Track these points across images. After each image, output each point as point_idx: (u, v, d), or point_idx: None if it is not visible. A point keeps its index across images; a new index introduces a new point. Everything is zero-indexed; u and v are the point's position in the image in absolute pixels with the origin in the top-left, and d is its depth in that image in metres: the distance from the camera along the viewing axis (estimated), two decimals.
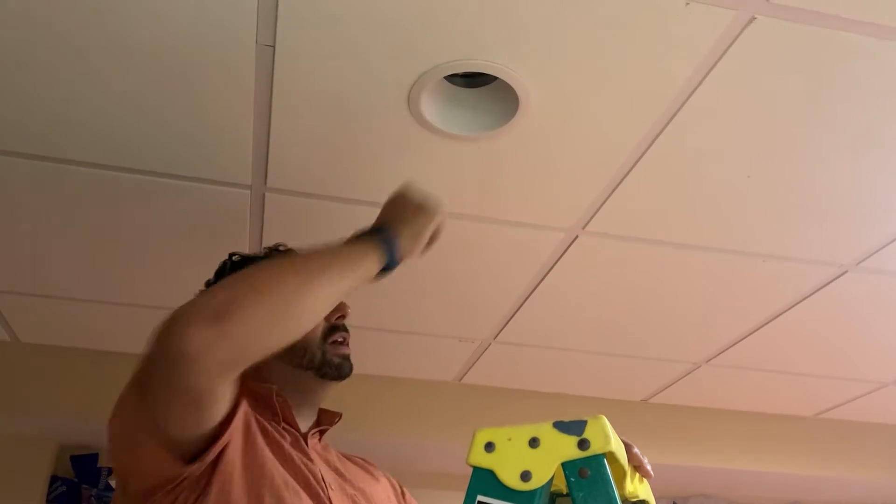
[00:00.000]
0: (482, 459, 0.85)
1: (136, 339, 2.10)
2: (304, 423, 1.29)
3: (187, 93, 1.30)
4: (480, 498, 0.83)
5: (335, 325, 1.31)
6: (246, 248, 1.77)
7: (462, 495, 0.85)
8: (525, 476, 0.82)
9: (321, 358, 1.27)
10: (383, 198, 1.57)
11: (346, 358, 1.31)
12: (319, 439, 1.32)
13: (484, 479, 0.84)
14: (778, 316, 2.08)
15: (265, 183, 1.55)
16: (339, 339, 1.31)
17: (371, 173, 1.51)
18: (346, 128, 1.39)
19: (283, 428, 1.23)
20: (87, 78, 1.27)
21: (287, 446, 1.19)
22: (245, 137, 1.41)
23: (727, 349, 2.30)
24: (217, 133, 1.40)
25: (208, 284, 1.33)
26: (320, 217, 1.66)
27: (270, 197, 1.60)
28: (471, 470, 0.86)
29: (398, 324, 2.17)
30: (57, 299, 2.03)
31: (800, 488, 3.06)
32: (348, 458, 1.38)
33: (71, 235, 1.72)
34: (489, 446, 0.85)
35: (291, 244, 1.74)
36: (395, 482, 1.43)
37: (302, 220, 1.67)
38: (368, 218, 1.66)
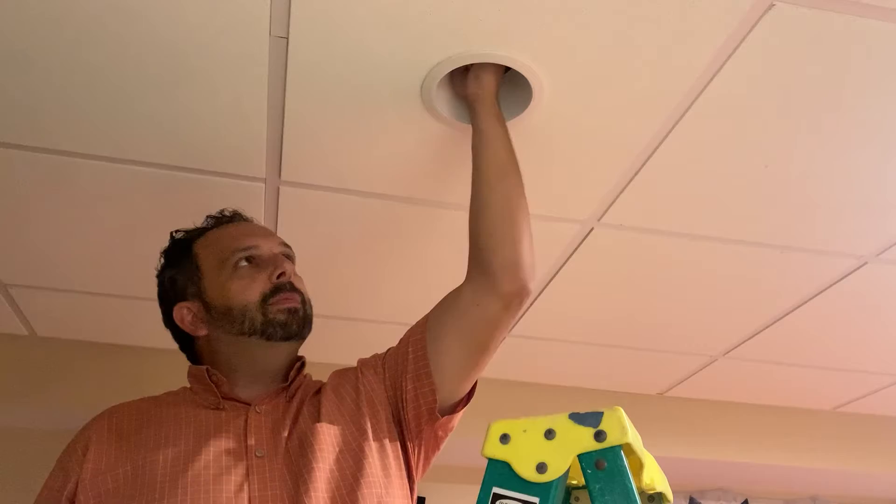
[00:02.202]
0: (497, 451, 0.84)
1: (152, 333, 2.12)
2: (260, 390, 1.24)
3: (201, 86, 1.30)
4: (496, 490, 0.83)
5: (277, 286, 1.23)
6: None
7: (477, 488, 0.85)
8: (541, 468, 0.81)
9: (262, 319, 1.21)
10: (397, 190, 1.58)
11: (293, 312, 1.23)
12: (286, 397, 1.25)
13: (499, 471, 0.83)
14: (796, 308, 2.06)
15: (279, 176, 1.55)
16: (279, 301, 1.23)
17: (385, 165, 1.51)
18: (359, 120, 1.38)
19: (228, 404, 1.22)
20: (101, 72, 1.27)
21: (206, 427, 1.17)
22: (259, 130, 1.41)
23: (745, 342, 2.28)
24: (231, 126, 1.40)
25: (160, 268, 1.33)
26: (335, 210, 1.66)
27: (285, 190, 1.60)
28: (485, 463, 0.85)
29: (414, 317, 2.16)
30: (73, 293, 2.04)
31: (818, 482, 3.04)
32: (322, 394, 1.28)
33: (86, 230, 1.73)
34: (504, 438, 0.84)
35: (306, 237, 1.75)
36: (358, 369, 1.33)
37: (316, 212, 1.67)
38: (383, 210, 1.66)
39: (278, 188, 1.59)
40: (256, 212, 1.66)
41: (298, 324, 1.24)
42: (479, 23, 1.16)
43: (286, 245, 1.33)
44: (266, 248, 1.28)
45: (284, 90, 1.31)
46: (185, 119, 1.38)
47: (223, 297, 1.23)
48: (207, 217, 1.37)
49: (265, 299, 1.22)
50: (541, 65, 1.25)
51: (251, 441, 1.15)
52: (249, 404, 1.22)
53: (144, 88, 1.31)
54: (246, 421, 1.19)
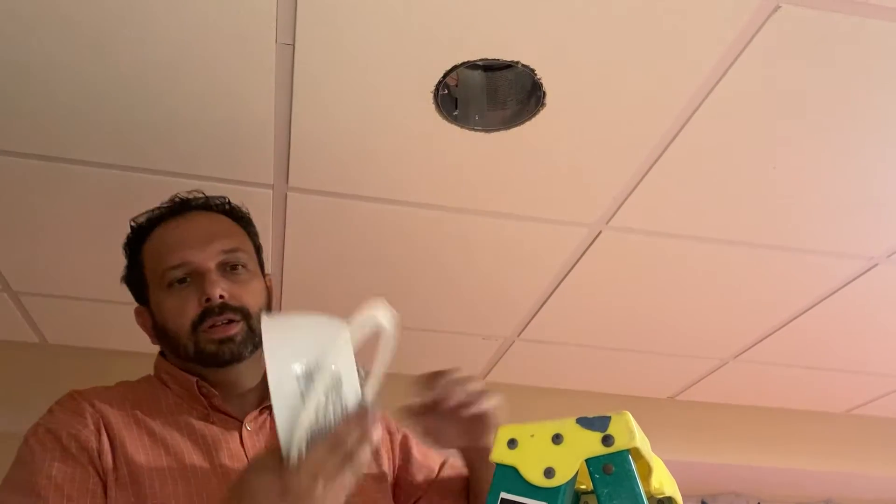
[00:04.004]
0: (505, 456, 0.84)
1: None
2: (240, 406, 1.16)
3: (208, 93, 1.31)
4: (504, 495, 0.82)
5: (206, 310, 1.12)
6: (269, 249, 1.78)
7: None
8: (548, 473, 0.81)
9: (194, 349, 1.12)
10: (407, 195, 1.58)
11: (225, 341, 1.11)
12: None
13: (507, 476, 0.83)
14: (807, 310, 2.05)
15: (287, 182, 1.55)
16: (213, 325, 1.12)
17: (394, 170, 1.51)
18: (368, 124, 1.39)
19: (218, 417, 1.13)
20: (107, 80, 1.28)
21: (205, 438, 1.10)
22: (266, 136, 1.42)
23: (755, 345, 2.27)
24: (238, 132, 1.40)
25: (124, 248, 1.24)
26: (343, 216, 1.66)
27: (293, 196, 1.60)
28: (493, 468, 0.85)
29: (421, 322, 2.17)
30: (84, 301, 2.05)
31: (832, 486, 3.02)
32: None
33: (97, 237, 1.74)
34: (512, 443, 0.84)
35: (314, 243, 1.76)
36: (392, 429, 1.28)
37: (325, 219, 1.67)
38: (391, 216, 1.66)
39: (286, 194, 1.60)
40: (264, 218, 1.67)
41: (232, 352, 1.12)
42: (486, 28, 1.16)
43: (231, 249, 1.16)
44: (199, 260, 1.14)
45: (291, 97, 1.32)
46: (192, 126, 1.39)
47: (161, 316, 1.15)
48: (163, 204, 1.24)
49: (195, 327, 1.12)
50: (548, 68, 1.25)
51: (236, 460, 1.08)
52: (240, 420, 1.14)
53: (151, 96, 1.31)
54: (242, 441, 1.12)
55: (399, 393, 2.70)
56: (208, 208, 1.23)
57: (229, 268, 1.16)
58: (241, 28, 1.18)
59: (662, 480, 0.91)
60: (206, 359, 1.13)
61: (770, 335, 2.21)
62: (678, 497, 0.97)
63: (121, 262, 1.88)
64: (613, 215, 1.65)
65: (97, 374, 2.32)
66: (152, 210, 1.23)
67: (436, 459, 1.29)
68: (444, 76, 1.26)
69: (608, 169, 1.50)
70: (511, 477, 0.83)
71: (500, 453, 0.85)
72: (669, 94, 1.30)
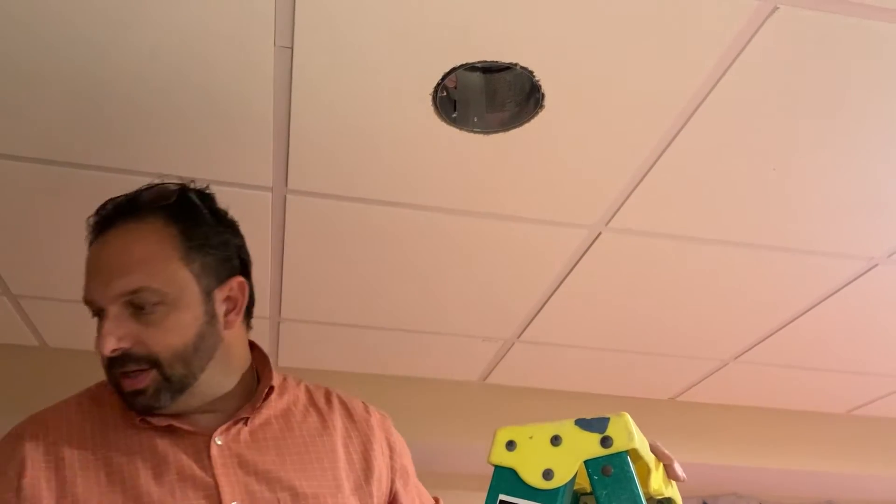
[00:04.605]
0: (504, 458, 0.84)
1: None
2: (211, 419, 1.08)
3: (205, 95, 1.31)
4: (503, 497, 0.82)
5: (110, 359, 1.03)
6: (268, 251, 1.78)
7: (484, 495, 0.84)
8: (547, 474, 0.81)
9: (115, 389, 1.05)
10: (406, 197, 1.58)
11: (134, 394, 1.02)
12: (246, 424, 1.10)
13: (506, 478, 0.83)
14: (807, 311, 2.05)
15: (286, 184, 1.55)
16: (122, 373, 1.03)
17: (393, 172, 1.51)
18: (367, 127, 1.39)
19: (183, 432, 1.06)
20: (106, 83, 1.28)
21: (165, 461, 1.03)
22: (265, 139, 1.42)
23: (755, 346, 2.27)
24: (236, 135, 1.40)
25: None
26: (343, 218, 1.66)
27: (292, 199, 1.60)
28: (492, 470, 0.85)
29: (421, 324, 2.16)
30: (83, 304, 2.05)
31: (833, 487, 3.01)
32: (308, 416, 1.16)
33: None
34: (510, 445, 0.84)
35: (313, 245, 1.75)
36: (395, 447, 1.21)
37: (324, 221, 1.67)
38: (391, 218, 1.66)
39: (285, 197, 1.60)
40: (263, 221, 1.67)
41: (144, 405, 1.03)
42: (485, 30, 1.16)
43: (134, 290, 1.02)
44: (101, 301, 1.04)
45: (290, 99, 1.32)
46: (192, 129, 1.39)
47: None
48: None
49: (108, 370, 1.05)
50: (546, 69, 1.25)
51: (223, 488, 1.02)
52: (207, 434, 1.06)
53: (150, 100, 1.32)
54: (210, 458, 1.04)
55: (400, 393, 2.71)
56: (137, 214, 1.08)
57: (136, 308, 1.03)
58: (240, 32, 1.18)
59: (662, 481, 0.91)
60: (126, 402, 1.05)
61: (770, 336, 2.21)
62: (678, 498, 0.97)
63: None
64: (613, 216, 1.65)
65: (97, 378, 2.32)
66: (94, 213, 1.12)
67: (429, 499, 1.27)
68: (443, 78, 1.26)
69: (608, 170, 1.50)
70: (510, 479, 0.83)
71: (498, 455, 0.85)
72: (669, 94, 1.30)
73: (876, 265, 1.82)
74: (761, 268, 1.84)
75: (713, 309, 2.05)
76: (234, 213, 1.66)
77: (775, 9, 1.12)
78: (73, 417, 1.09)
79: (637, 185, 1.54)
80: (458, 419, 2.53)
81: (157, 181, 1.13)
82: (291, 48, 1.21)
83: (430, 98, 1.30)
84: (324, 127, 1.38)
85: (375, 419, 1.24)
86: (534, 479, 0.81)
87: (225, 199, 1.58)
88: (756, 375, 2.50)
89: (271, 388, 1.13)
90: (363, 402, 1.26)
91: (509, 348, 2.32)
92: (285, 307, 2.07)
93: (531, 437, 0.84)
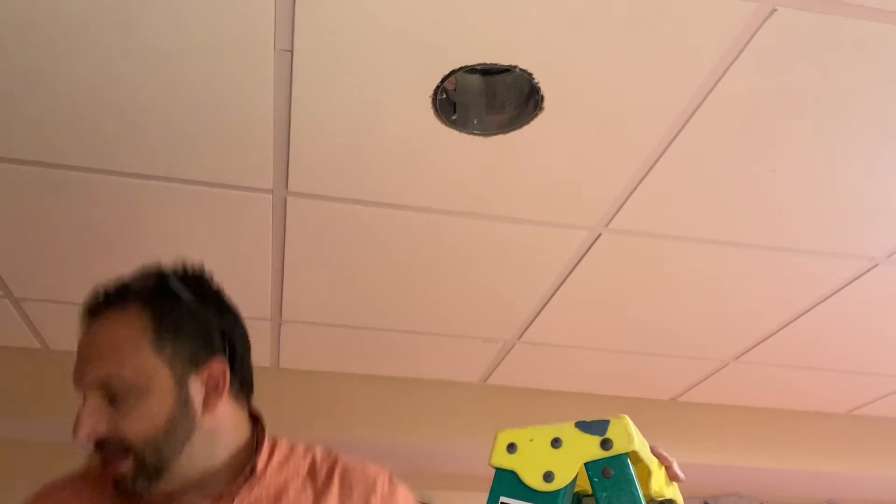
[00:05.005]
0: (504, 460, 0.84)
1: None
2: (197, 498, 1.07)
3: (206, 98, 1.31)
4: (503, 499, 0.82)
5: (94, 445, 1.04)
6: (268, 254, 1.79)
7: (486, 495, 0.85)
8: (548, 476, 0.81)
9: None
10: (406, 199, 1.58)
11: (120, 480, 1.03)
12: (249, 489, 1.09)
13: (506, 481, 0.83)
14: (807, 311, 2.05)
15: (286, 187, 1.55)
16: (104, 459, 1.04)
17: (393, 175, 1.51)
18: (367, 129, 1.39)
19: None
20: (107, 85, 1.28)
21: None
22: (265, 142, 1.42)
23: (756, 346, 2.27)
24: (237, 138, 1.41)
25: None
26: (343, 220, 1.66)
27: (292, 201, 1.60)
28: (493, 471, 0.85)
29: (422, 325, 2.17)
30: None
31: (834, 487, 3.01)
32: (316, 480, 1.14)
33: (97, 242, 1.75)
34: (511, 447, 0.84)
35: (314, 248, 1.76)
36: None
37: (324, 223, 1.68)
38: (391, 220, 1.66)
39: (286, 199, 1.60)
40: (264, 223, 1.67)
41: (126, 490, 1.03)
42: (484, 32, 1.17)
43: (103, 382, 1.04)
44: (79, 385, 1.06)
45: (290, 102, 1.32)
46: (192, 132, 1.39)
47: None
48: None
49: (94, 452, 1.05)
50: (546, 72, 1.25)
51: None
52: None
53: (151, 103, 1.32)
54: None
55: (401, 395, 2.72)
56: (119, 302, 1.10)
57: (111, 395, 1.04)
58: (240, 35, 1.18)
59: (663, 483, 0.91)
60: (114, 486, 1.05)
61: (771, 336, 2.21)
62: (679, 498, 0.97)
63: (122, 267, 1.88)
64: (613, 218, 1.65)
65: None
66: (85, 300, 1.14)
67: None
68: (443, 81, 1.26)
69: (607, 171, 1.50)
70: (510, 481, 0.83)
71: (499, 458, 0.85)
72: (668, 96, 1.30)
73: (876, 265, 1.82)
74: (761, 268, 1.84)
75: (714, 309, 2.05)
76: (235, 215, 1.67)
77: (773, 10, 1.12)
78: (83, 495, 1.11)
79: (637, 186, 1.54)
80: (459, 420, 2.53)
81: (149, 264, 1.14)
82: (291, 51, 1.21)
83: (429, 100, 1.30)
84: (324, 130, 1.39)
85: (378, 497, 1.16)
86: (534, 481, 0.81)
87: (225, 201, 1.59)
88: (757, 376, 2.50)
89: (253, 469, 1.10)
90: (375, 475, 1.18)
91: (510, 349, 2.33)
92: (286, 309, 2.07)
93: (531, 440, 0.84)
